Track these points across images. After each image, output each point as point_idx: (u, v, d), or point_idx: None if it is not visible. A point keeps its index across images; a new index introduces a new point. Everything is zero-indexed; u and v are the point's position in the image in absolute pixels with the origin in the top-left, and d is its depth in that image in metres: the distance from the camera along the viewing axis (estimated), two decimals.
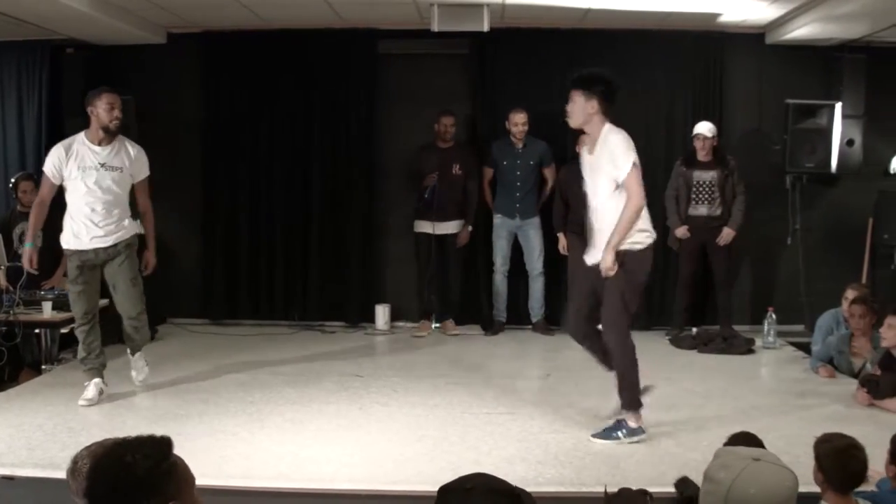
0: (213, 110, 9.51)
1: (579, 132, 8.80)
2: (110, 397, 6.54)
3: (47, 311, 7.50)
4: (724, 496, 2.39)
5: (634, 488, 3.25)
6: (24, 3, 7.62)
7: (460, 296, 9.29)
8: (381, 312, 9.27)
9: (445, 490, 2.47)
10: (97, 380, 6.48)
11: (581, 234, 8.86)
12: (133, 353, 6.90)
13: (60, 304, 7.67)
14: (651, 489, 4.65)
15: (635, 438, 5.57)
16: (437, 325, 9.23)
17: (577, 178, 8.81)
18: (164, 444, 2.55)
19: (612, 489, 3.51)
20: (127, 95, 8.91)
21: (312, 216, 9.53)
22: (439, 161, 8.97)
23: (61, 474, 4.80)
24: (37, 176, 8.62)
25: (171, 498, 2.47)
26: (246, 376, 7.28)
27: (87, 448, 3.22)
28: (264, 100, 9.45)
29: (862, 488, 3.82)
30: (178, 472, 2.52)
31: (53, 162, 6.44)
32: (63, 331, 7.85)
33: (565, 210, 8.99)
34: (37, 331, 7.60)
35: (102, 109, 6.40)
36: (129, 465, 2.47)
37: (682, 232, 8.80)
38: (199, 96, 9.52)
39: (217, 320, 9.54)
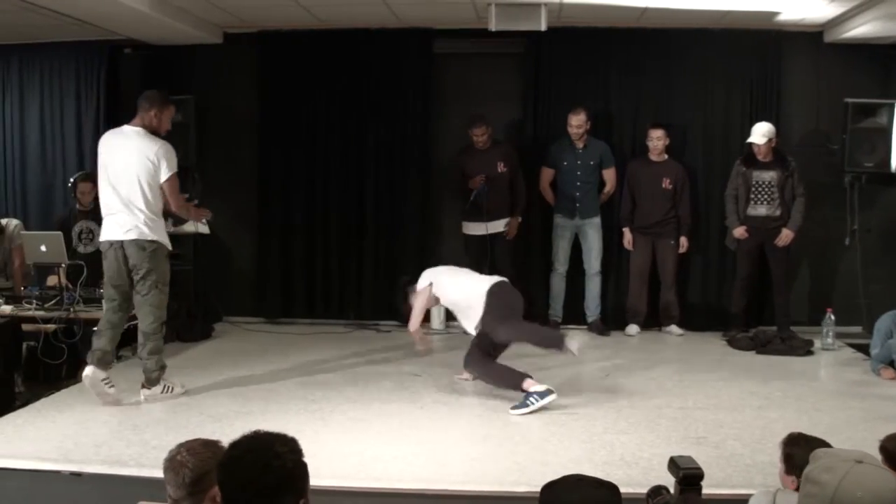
0: (270, 110, 9.55)
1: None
2: (173, 395, 6.57)
3: None
4: (830, 499, 2.35)
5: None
6: (84, 3, 7.70)
7: None
8: (437, 312, 9.23)
9: (551, 484, 2.49)
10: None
11: (646, 230, 8.94)
12: None
13: None
14: (719, 491, 4.67)
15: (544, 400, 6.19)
16: None
17: (645, 175, 8.91)
18: (295, 440, 2.57)
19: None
20: (185, 95, 9.07)
21: (367, 215, 9.56)
22: (483, 162, 8.93)
23: (128, 471, 4.93)
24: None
25: (303, 495, 2.49)
26: (305, 375, 7.31)
27: (184, 444, 3.25)
28: (320, 99, 9.49)
29: None
30: (307, 471, 2.54)
31: None
32: None
33: (632, 205, 9.08)
34: (95, 328, 7.66)
35: (168, 119, 6.55)
36: (279, 456, 2.48)
37: (740, 232, 8.74)
38: (255, 96, 9.57)
39: (272, 319, 9.59)
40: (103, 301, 6.71)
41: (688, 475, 3.08)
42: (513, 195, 9.13)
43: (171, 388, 6.54)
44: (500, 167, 9.00)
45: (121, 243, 6.32)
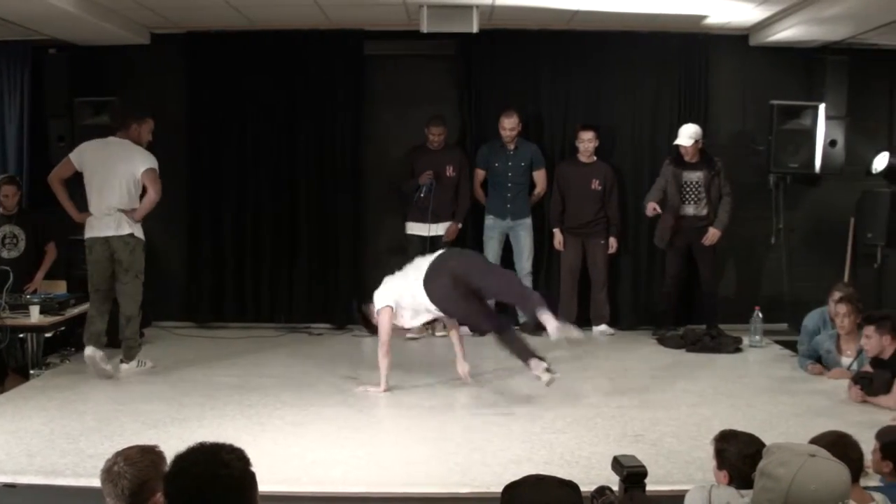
0: (198, 111, 9.42)
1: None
2: (107, 403, 6.46)
3: (35, 316, 7.38)
4: (785, 492, 2.39)
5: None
6: (8, 1, 7.50)
7: None
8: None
9: (513, 485, 2.50)
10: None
11: (576, 231, 9.00)
12: None
13: (48, 308, 7.58)
14: (659, 488, 4.70)
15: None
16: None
17: (575, 176, 8.98)
18: (242, 450, 2.53)
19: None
20: (110, 96, 8.92)
21: (298, 217, 9.47)
22: (433, 163, 8.97)
23: (63, 481, 4.84)
24: (20, 179, 8.55)
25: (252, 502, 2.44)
26: (240, 380, 7.23)
27: (121, 453, 3.18)
28: (249, 101, 9.37)
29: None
30: (255, 480, 2.50)
31: None
32: (47, 335, 7.75)
33: (562, 207, 9.13)
34: (21, 335, 7.51)
35: (147, 132, 7.39)
36: (227, 465, 2.43)
37: (651, 208, 8.80)
38: (183, 97, 9.41)
39: (202, 323, 9.44)
40: (90, 294, 7.36)
41: (632, 473, 3.12)
42: (457, 201, 9.16)
43: (144, 363, 7.47)
44: (450, 170, 9.04)
45: (106, 239, 7.13)
